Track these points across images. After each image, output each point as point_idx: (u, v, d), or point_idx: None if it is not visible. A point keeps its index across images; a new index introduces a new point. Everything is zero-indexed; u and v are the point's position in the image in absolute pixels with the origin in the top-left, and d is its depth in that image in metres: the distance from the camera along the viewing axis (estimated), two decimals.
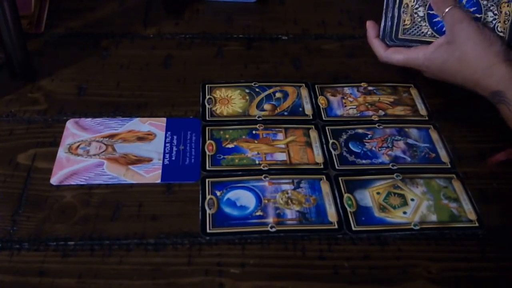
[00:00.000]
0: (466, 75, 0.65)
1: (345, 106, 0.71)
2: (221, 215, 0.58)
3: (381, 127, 0.69)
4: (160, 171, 0.62)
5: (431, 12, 0.70)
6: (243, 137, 0.67)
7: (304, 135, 0.67)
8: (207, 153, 0.64)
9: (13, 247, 0.55)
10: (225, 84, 0.74)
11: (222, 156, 0.64)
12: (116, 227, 0.57)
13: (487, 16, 0.68)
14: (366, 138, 0.67)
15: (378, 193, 0.61)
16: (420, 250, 0.56)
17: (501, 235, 0.58)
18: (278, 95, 0.72)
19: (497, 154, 0.64)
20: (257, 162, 0.64)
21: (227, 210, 0.59)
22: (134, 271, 0.54)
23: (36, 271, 0.53)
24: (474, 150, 0.66)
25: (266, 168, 0.63)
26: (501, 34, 0.68)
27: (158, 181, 0.62)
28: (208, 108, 0.70)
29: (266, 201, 0.60)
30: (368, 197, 0.61)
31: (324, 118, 0.70)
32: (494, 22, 0.68)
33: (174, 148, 0.65)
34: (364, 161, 0.64)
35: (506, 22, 0.68)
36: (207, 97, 0.72)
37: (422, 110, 0.71)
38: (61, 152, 0.64)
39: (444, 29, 0.68)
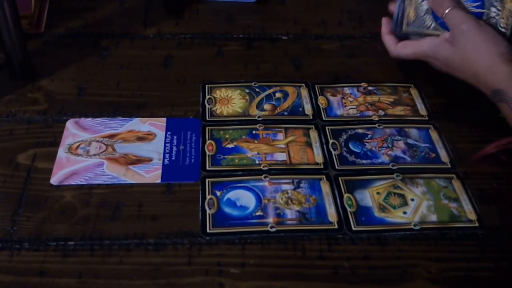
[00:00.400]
0: (468, 73, 0.66)
1: (345, 106, 0.71)
2: (221, 215, 0.58)
3: (381, 127, 0.69)
4: (160, 171, 0.62)
5: None
6: (243, 137, 0.67)
7: (304, 135, 0.67)
8: (207, 153, 0.64)
9: (13, 247, 0.55)
10: (225, 84, 0.74)
11: (222, 156, 0.64)
12: (116, 227, 0.57)
13: (490, 11, 0.68)
14: (366, 138, 0.67)
15: (378, 193, 0.61)
16: (420, 250, 0.56)
17: (501, 235, 0.58)
18: (278, 95, 0.72)
19: (486, 147, 0.64)
20: (257, 162, 0.64)
21: (227, 210, 0.59)
22: (134, 271, 0.54)
23: (36, 271, 0.53)
24: (474, 150, 0.66)
25: (266, 168, 0.63)
26: (503, 30, 0.67)
27: (158, 181, 0.62)
28: (208, 108, 0.70)
29: (266, 201, 0.60)
30: (368, 197, 0.61)
31: (324, 118, 0.70)
32: (496, 17, 0.68)
33: (174, 148, 0.65)
34: (364, 161, 0.64)
35: (509, 19, 0.67)
36: (207, 97, 0.72)
37: (422, 110, 0.71)
38: (61, 152, 0.64)
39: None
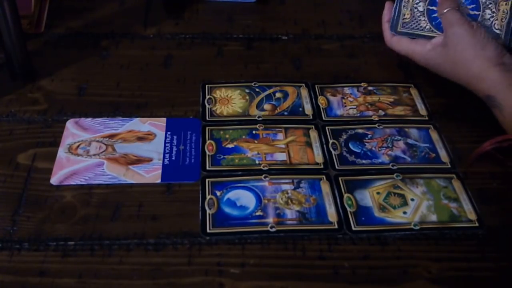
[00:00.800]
0: (460, 77, 0.67)
1: (345, 106, 0.71)
2: (221, 215, 0.58)
3: (381, 127, 0.69)
4: (160, 171, 0.62)
5: (431, 7, 0.71)
6: (243, 137, 0.67)
7: (304, 135, 0.67)
8: (207, 153, 0.64)
9: (13, 247, 0.55)
10: (225, 84, 0.74)
11: (222, 156, 0.64)
12: (116, 227, 0.57)
13: (485, 14, 0.69)
14: (366, 138, 0.67)
15: (378, 193, 0.61)
16: (420, 250, 0.56)
17: (501, 235, 0.58)
18: (278, 95, 0.72)
19: (481, 146, 0.64)
20: (257, 162, 0.64)
21: (227, 210, 0.59)
22: (134, 271, 0.54)
23: (36, 271, 0.53)
24: (474, 150, 0.66)
25: (266, 168, 0.63)
26: (498, 31, 0.68)
27: (158, 181, 0.62)
28: (208, 108, 0.70)
29: (266, 201, 0.60)
30: (368, 197, 0.61)
31: (324, 118, 0.70)
32: (491, 19, 0.69)
33: (174, 148, 0.65)
34: (364, 161, 0.64)
35: (503, 20, 0.68)
36: (207, 97, 0.72)
37: (422, 110, 0.71)
38: (61, 152, 0.64)
39: (442, 25, 0.69)
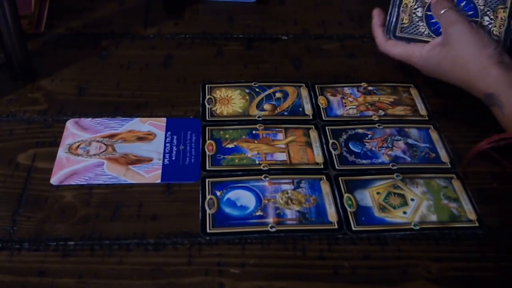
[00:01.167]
0: (459, 76, 0.66)
1: (345, 106, 0.71)
2: (221, 215, 0.58)
3: (381, 127, 0.69)
4: (160, 171, 0.62)
5: (429, 13, 0.71)
6: (243, 137, 0.67)
7: (304, 135, 0.67)
8: (207, 153, 0.64)
9: (13, 247, 0.55)
10: (225, 84, 0.74)
11: (222, 156, 0.64)
12: (116, 227, 0.57)
13: (483, 21, 0.70)
14: (366, 138, 0.67)
15: (378, 193, 0.61)
16: (420, 250, 0.56)
17: (501, 235, 0.58)
18: (278, 95, 0.72)
19: (478, 144, 0.63)
20: (257, 162, 0.64)
21: (227, 210, 0.59)
22: (134, 271, 0.54)
23: (36, 271, 0.53)
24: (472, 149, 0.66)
25: (266, 168, 0.63)
26: (496, 38, 0.69)
27: (158, 181, 0.62)
28: (208, 108, 0.70)
29: (266, 201, 0.60)
30: (368, 197, 0.61)
31: (324, 118, 0.70)
32: (489, 26, 0.70)
33: (174, 148, 0.65)
34: (364, 161, 0.64)
35: (501, 27, 0.69)
36: (207, 97, 0.72)
37: (422, 110, 0.71)
38: (61, 152, 0.64)
39: (440, 30, 0.69)
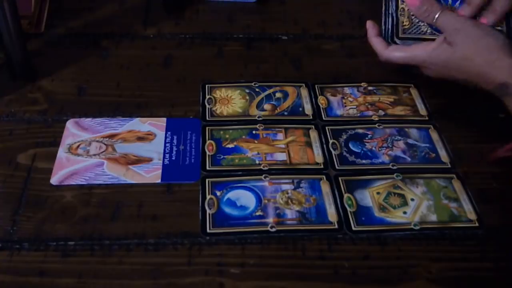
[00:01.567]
0: (470, 70, 0.64)
1: (345, 106, 0.71)
2: (221, 215, 0.58)
3: (381, 127, 0.69)
4: (160, 171, 0.62)
5: None
6: (243, 137, 0.67)
7: (304, 135, 0.67)
8: (207, 153, 0.64)
9: (13, 247, 0.55)
10: (225, 84, 0.74)
11: (222, 156, 0.64)
12: (116, 227, 0.57)
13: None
14: (366, 138, 0.67)
15: (378, 193, 0.61)
16: (420, 250, 0.56)
17: (501, 235, 0.58)
18: (278, 95, 0.72)
19: (497, 150, 0.64)
20: (257, 162, 0.64)
21: (227, 210, 0.59)
22: (134, 271, 0.54)
23: (36, 271, 0.53)
24: (474, 150, 0.66)
25: (266, 168, 0.63)
26: (499, 28, 0.68)
27: (158, 181, 0.62)
28: (208, 108, 0.70)
29: (266, 201, 0.60)
30: (368, 197, 0.61)
31: (324, 118, 0.70)
32: None
33: (174, 148, 0.65)
34: (364, 161, 0.64)
35: (502, 22, 0.68)
36: (207, 97, 0.72)
37: (422, 110, 0.71)
38: (61, 152, 0.64)
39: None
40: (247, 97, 0.72)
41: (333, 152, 0.65)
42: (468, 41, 0.64)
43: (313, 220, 0.58)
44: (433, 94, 0.73)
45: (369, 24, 0.72)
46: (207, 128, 0.67)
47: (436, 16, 0.66)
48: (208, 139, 0.66)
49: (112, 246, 0.56)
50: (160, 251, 0.55)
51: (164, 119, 0.69)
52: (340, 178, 0.62)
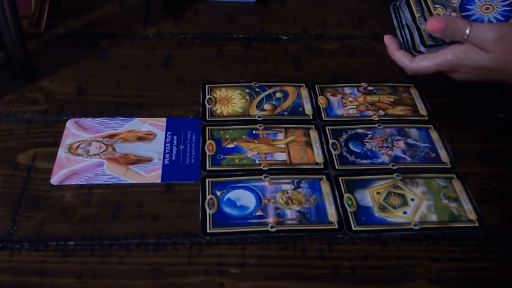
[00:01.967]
0: (508, 71, 0.61)
1: (345, 106, 0.71)
2: (221, 215, 0.58)
3: (381, 127, 0.69)
4: (160, 171, 0.62)
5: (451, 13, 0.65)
6: (243, 137, 0.67)
7: (304, 135, 0.67)
8: (207, 153, 0.65)
9: (13, 247, 0.55)
10: (225, 84, 0.74)
11: (222, 156, 0.64)
12: (116, 227, 0.57)
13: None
14: (366, 138, 0.67)
15: (378, 193, 0.61)
16: (420, 250, 0.57)
17: (501, 235, 0.58)
18: (278, 95, 0.72)
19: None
20: (257, 162, 0.64)
21: (227, 210, 0.59)
22: (134, 271, 0.54)
23: (36, 271, 0.53)
24: (474, 150, 0.66)
25: (266, 168, 0.63)
26: None
27: (158, 181, 0.62)
28: (208, 108, 0.70)
29: (266, 201, 0.60)
30: (368, 197, 0.61)
31: (324, 118, 0.70)
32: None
33: (174, 148, 0.65)
34: (364, 161, 0.64)
35: None
36: (207, 97, 0.72)
37: (422, 110, 0.71)
38: (61, 152, 0.64)
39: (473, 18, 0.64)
40: (247, 97, 0.72)
41: (333, 152, 0.65)
42: (508, 43, 0.60)
43: (313, 220, 0.58)
44: (433, 94, 0.73)
45: (388, 39, 0.67)
46: (207, 128, 0.67)
47: (467, 32, 0.61)
48: (208, 139, 0.66)
49: (112, 246, 0.56)
50: (160, 251, 0.55)
51: (164, 119, 0.69)
52: (340, 178, 0.62)
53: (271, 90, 0.73)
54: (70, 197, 0.60)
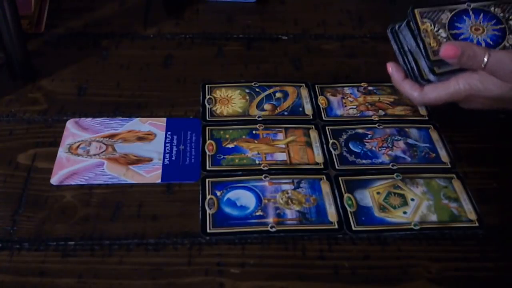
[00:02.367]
0: None
1: (345, 106, 0.71)
2: (221, 215, 0.58)
3: (381, 127, 0.69)
4: (160, 171, 0.62)
5: (452, 32, 0.62)
6: (243, 137, 0.67)
7: (304, 135, 0.67)
8: (207, 153, 0.64)
9: (13, 247, 0.55)
10: (225, 84, 0.74)
11: (222, 156, 0.64)
12: (116, 227, 0.57)
13: (509, 38, 0.62)
14: (366, 138, 0.67)
15: (378, 193, 0.61)
16: (420, 250, 0.56)
17: (501, 235, 0.58)
18: (278, 95, 0.72)
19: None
20: (257, 162, 0.64)
21: (227, 210, 0.59)
22: (134, 271, 0.54)
23: (36, 271, 0.53)
24: (474, 150, 0.66)
25: (266, 168, 0.63)
26: None
27: (158, 181, 0.62)
28: (208, 108, 0.70)
29: (266, 201, 0.60)
30: (368, 197, 0.61)
31: (324, 118, 0.70)
32: None
33: (174, 148, 0.65)
34: (364, 161, 0.64)
35: None
36: (207, 97, 0.72)
37: (422, 110, 0.71)
38: (61, 152, 0.64)
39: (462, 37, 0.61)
40: (247, 97, 0.72)
41: (333, 152, 0.65)
42: None
43: (313, 220, 0.58)
44: None
45: (391, 68, 0.63)
46: (207, 128, 0.67)
47: (485, 59, 0.57)
48: (208, 139, 0.66)
49: (112, 246, 0.56)
50: (160, 251, 0.55)
51: (164, 119, 0.69)
52: (340, 178, 0.62)
53: (271, 90, 0.73)
54: (70, 197, 0.60)
